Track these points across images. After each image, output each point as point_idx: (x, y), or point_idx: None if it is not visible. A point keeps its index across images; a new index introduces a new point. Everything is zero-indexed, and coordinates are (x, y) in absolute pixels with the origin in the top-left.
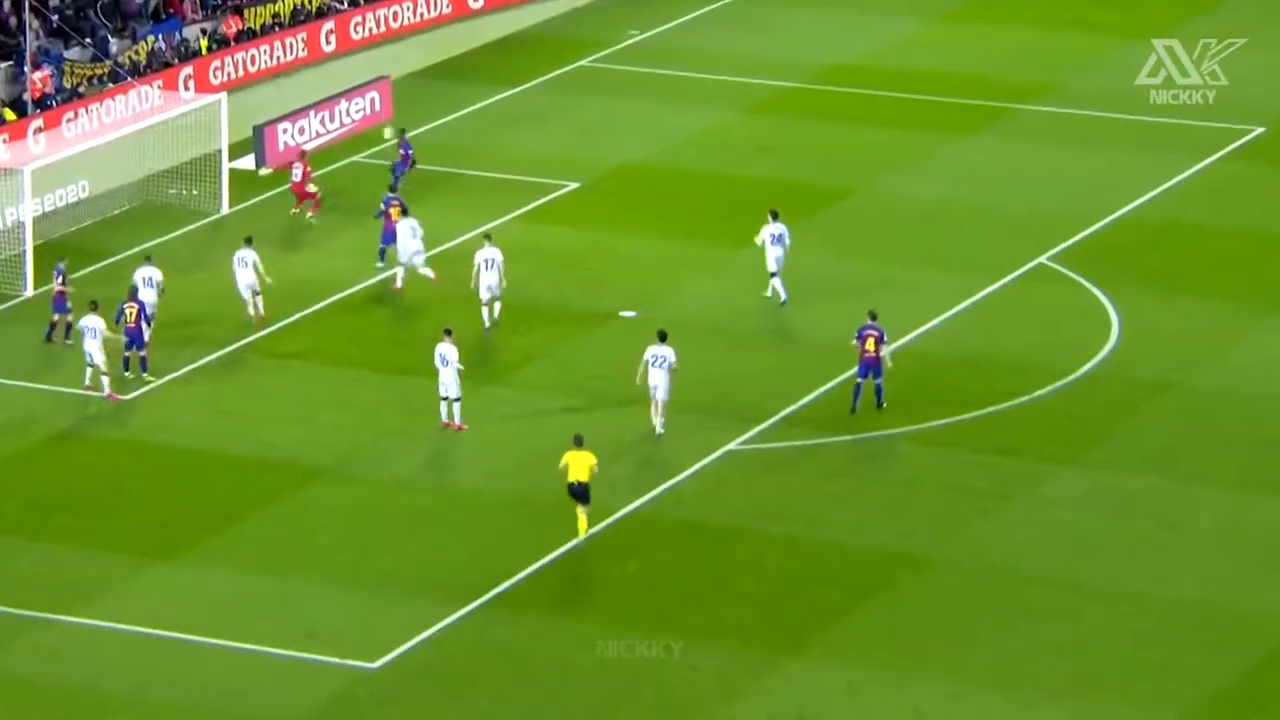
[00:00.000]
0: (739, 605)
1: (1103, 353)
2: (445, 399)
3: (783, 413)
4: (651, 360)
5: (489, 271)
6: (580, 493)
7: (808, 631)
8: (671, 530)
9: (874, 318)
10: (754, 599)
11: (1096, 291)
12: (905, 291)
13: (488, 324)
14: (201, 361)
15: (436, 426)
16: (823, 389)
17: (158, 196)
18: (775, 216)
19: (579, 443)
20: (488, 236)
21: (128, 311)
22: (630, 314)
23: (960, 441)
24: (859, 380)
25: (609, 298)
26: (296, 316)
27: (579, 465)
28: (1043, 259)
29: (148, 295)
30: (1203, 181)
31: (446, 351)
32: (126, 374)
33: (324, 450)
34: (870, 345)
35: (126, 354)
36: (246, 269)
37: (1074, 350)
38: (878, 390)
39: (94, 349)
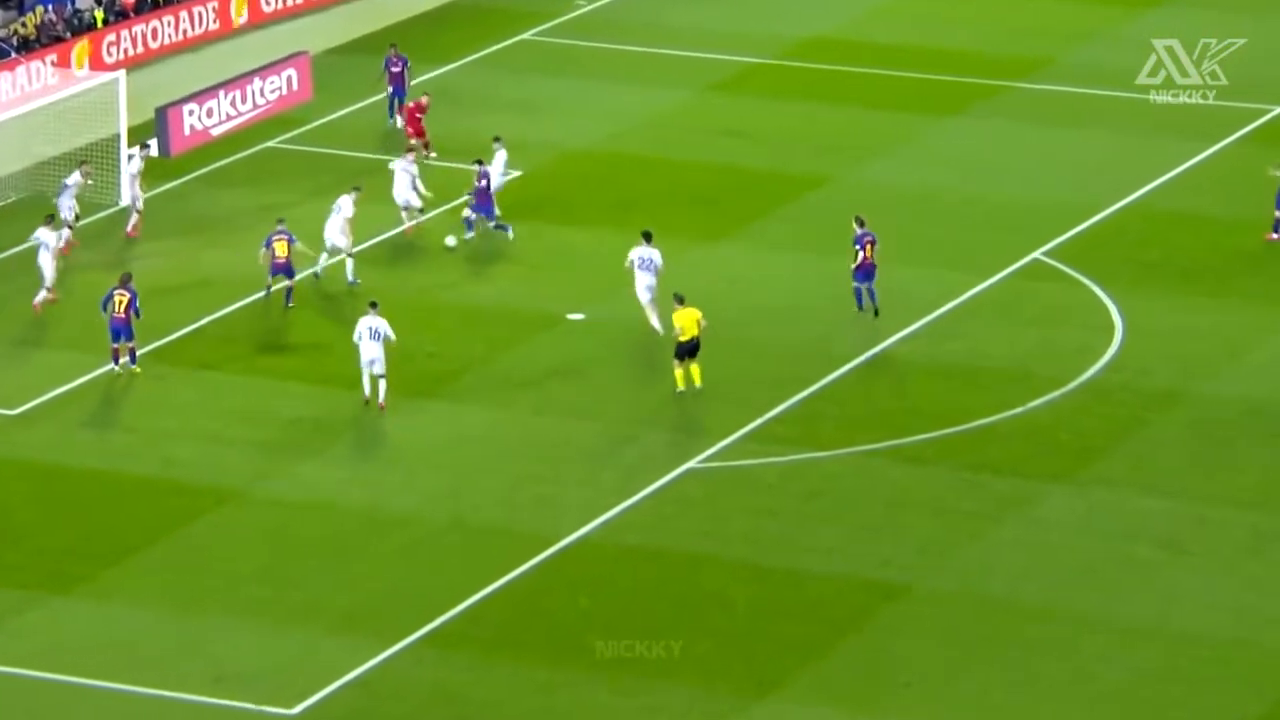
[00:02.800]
0: (703, 641)
1: (1104, 358)
2: (371, 375)
3: (749, 426)
4: (638, 262)
5: (335, 217)
6: (691, 350)
7: (779, 670)
8: (626, 558)
9: (863, 223)
10: (720, 634)
11: (1097, 290)
12: (885, 291)
13: (318, 270)
14: (99, 371)
15: (361, 440)
16: (793, 399)
17: (48, 186)
18: (498, 140)
19: (680, 300)
20: (357, 189)
21: (117, 300)
22: (578, 316)
23: (946, 458)
24: (857, 285)
25: (554, 298)
26: (204, 321)
27: (689, 323)
28: (1038, 254)
29: (66, 201)
30: (1214, 167)
31: (376, 324)
32: (114, 368)
33: (236, 470)
34: (869, 251)
35: (115, 345)
36: None
37: (1072, 356)
38: (871, 294)
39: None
